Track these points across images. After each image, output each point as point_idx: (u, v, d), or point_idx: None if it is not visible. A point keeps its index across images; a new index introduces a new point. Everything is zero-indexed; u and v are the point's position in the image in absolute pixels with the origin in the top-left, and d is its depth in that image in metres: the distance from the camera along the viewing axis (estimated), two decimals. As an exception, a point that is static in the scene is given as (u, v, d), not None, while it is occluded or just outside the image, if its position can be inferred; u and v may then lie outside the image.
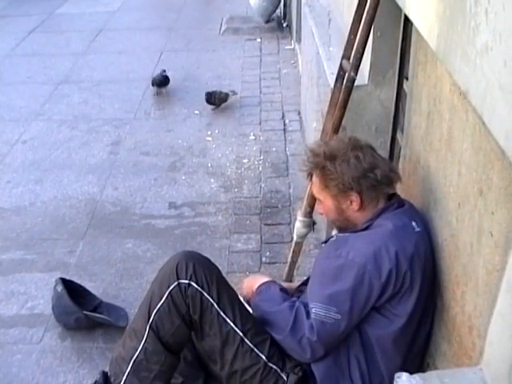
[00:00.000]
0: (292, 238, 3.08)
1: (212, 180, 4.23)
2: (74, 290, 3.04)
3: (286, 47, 6.71)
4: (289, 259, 3.03)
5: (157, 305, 2.24)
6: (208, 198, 4.02)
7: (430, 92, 2.31)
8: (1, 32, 7.39)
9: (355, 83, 2.62)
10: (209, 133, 4.88)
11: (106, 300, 3.12)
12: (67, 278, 3.12)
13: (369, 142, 2.25)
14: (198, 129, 4.93)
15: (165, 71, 5.58)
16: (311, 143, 2.31)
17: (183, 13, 7.98)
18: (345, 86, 2.63)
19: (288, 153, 4.54)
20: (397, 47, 2.95)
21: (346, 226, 2.33)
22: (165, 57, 6.48)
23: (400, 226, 2.11)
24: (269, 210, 3.88)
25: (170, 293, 2.23)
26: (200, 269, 2.24)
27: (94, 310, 3.04)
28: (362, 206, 2.19)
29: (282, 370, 2.20)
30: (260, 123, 5.02)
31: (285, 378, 2.19)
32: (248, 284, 2.49)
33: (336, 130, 2.66)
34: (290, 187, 4.10)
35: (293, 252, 3.02)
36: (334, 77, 2.83)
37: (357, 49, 2.59)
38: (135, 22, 7.62)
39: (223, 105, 5.23)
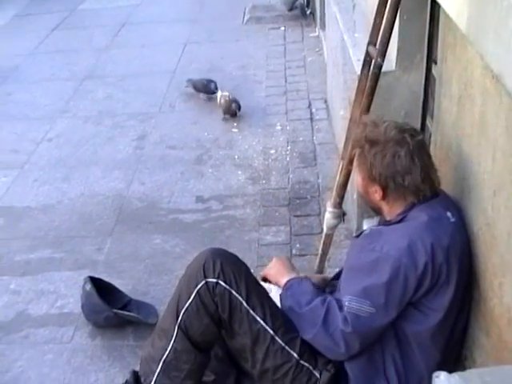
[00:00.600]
0: (322, 230, 3.02)
1: (239, 172, 4.18)
2: (103, 288, 3.01)
3: (311, 35, 6.61)
4: (319, 251, 2.97)
5: (185, 304, 2.20)
6: (235, 191, 3.97)
7: (460, 76, 2.24)
8: (23, 30, 7.40)
9: (382, 69, 2.55)
10: (235, 124, 4.82)
11: (135, 297, 3.10)
12: (96, 275, 3.09)
13: (422, 141, 2.12)
14: (224, 120, 4.87)
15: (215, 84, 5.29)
16: (372, 116, 2.22)
17: (206, 4, 7.91)
18: (372, 72, 2.56)
19: (315, 142, 4.47)
20: (424, 30, 2.86)
21: (374, 210, 2.28)
22: (188, 49, 6.44)
23: (435, 217, 2.05)
24: (297, 201, 3.82)
25: (197, 292, 2.19)
26: (227, 266, 2.20)
27: (124, 308, 3.01)
28: (384, 199, 2.13)
29: (314, 368, 2.14)
30: (286, 113, 4.95)
31: (317, 376, 2.13)
32: (273, 272, 2.44)
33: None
34: (318, 177, 4.03)
35: (323, 244, 2.96)
36: (361, 63, 2.75)
37: (383, 34, 2.51)
38: (158, 15, 7.57)
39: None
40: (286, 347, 2.16)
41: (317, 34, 6.58)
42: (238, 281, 2.18)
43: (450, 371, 1.42)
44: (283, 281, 2.32)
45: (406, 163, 2.04)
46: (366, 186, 2.17)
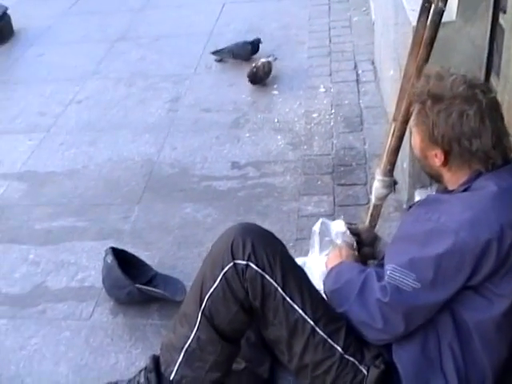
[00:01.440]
0: (369, 200, 2.70)
1: (279, 137, 3.85)
2: (126, 261, 2.74)
3: (357, -7, 6.20)
4: (366, 223, 2.63)
5: (210, 289, 1.91)
6: (274, 157, 3.65)
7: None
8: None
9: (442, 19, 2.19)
10: (275, 86, 4.47)
11: (162, 271, 2.82)
12: (120, 247, 2.82)
13: (495, 100, 1.78)
14: (263, 82, 4.52)
15: (259, 40, 4.91)
16: (436, 68, 1.86)
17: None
18: (431, 19, 2.20)
19: (362, 105, 4.10)
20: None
21: (433, 177, 1.94)
22: (227, 8, 6.07)
23: (505, 187, 1.70)
24: (342, 168, 3.48)
25: (224, 275, 1.88)
26: (260, 246, 1.88)
27: (149, 283, 2.75)
28: (446, 165, 1.79)
29: (360, 363, 1.83)
30: (330, 74, 4.58)
31: (365, 372, 1.82)
32: (330, 258, 2.13)
33: (421, 72, 2.23)
34: (364, 143, 3.68)
35: (370, 215, 2.61)
36: (416, 14, 2.39)
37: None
38: (196, -25, 7.21)
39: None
40: (329, 340, 1.85)
41: (363, -8, 6.16)
42: (272, 263, 1.87)
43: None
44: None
45: (474, 124, 1.69)
46: (425, 149, 1.83)
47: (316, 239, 2.32)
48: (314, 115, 4.05)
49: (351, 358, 1.84)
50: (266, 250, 1.87)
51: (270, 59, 4.56)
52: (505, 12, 2.38)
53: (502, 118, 1.77)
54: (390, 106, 3.01)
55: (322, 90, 4.37)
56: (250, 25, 5.56)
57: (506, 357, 1.78)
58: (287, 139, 3.82)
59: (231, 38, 5.16)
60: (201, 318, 1.91)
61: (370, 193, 2.59)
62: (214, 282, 1.89)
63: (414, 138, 1.90)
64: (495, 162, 1.74)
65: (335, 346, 1.84)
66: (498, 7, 2.50)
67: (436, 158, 1.80)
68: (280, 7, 5.98)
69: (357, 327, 1.84)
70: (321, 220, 2.31)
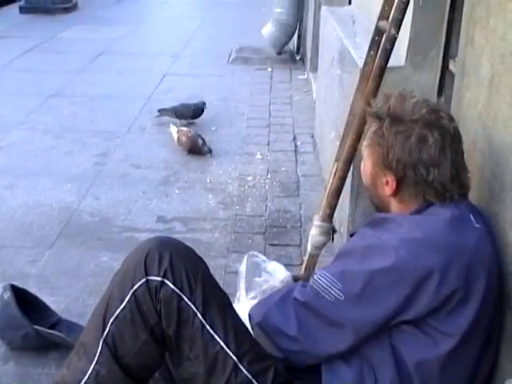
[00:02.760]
0: (303, 260, 2.49)
1: (210, 196, 3.65)
2: (27, 302, 2.42)
3: (299, 77, 6.22)
4: (300, 277, 2.41)
5: (115, 310, 1.62)
6: (204, 214, 3.43)
7: (493, 50, 1.79)
8: (-4, 50, 6.92)
9: (389, 64, 2.08)
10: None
11: (68, 318, 2.49)
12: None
13: (458, 130, 1.62)
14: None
15: (204, 104, 4.84)
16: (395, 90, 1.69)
17: (191, 42, 7.55)
18: (382, 47, 2.08)
19: (299, 173, 3.97)
20: (443, 18, 2.43)
21: (380, 209, 1.75)
22: (167, 79, 5.99)
23: (457, 215, 1.53)
24: (275, 229, 3.29)
25: (133, 294, 1.60)
26: (179, 262, 1.62)
27: (51, 328, 2.41)
28: (396, 195, 1.62)
29: None
30: (268, 144, 4.46)
31: None
32: None
33: (368, 105, 2.08)
34: (300, 208, 3.52)
35: (306, 268, 2.38)
36: (362, 61, 2.28)
37: (398, 4, 2.05)
38: (140, 48, 7.15)
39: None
40: (254, 381, 1.58)
41: (306, 76, 6.19)
42: (192, 283, 1.61)
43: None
44: None
45: (434, 152, 1.54)
46: (376, 176, 1.66)
47: (242, 281, 2.07)
48: (249, 178, 3.88)
49: (280, 407, 1.58)
50: (186, 267, 1.61)
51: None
52: (454, 59, 2.31)
53: (462, 153, 1.62)
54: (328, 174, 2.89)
55: (259, 156, 4.23)
56: (189, 94, 5.45)
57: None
58: (219, 199, 3.62)
59: (169, 104, 5.04)
60: (102, 347, 1.61)
61: (304, 253, 2.37)
62: (121, 302, 1.61)
63: (364, 163, 1.72)
64: (452, 196, 1.58)
65: (262, 389, 1.58)
66: (448, 53, 2.42)
67: (386, 186, 1.63)
68: (221, 82, 5.95)
69: (271, 338, 1.61)
70: (247, 255, 2.06)
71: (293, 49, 7.18)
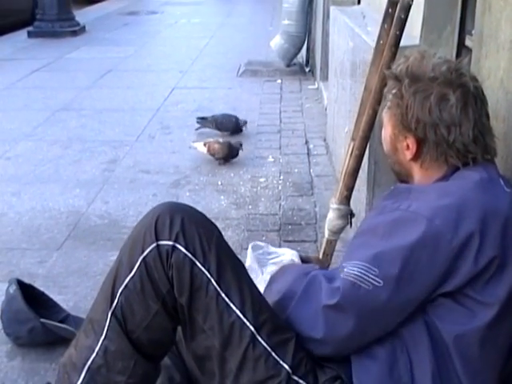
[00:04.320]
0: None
1: (222, 197, 3.54)
2: (34, 298, 2.32)
3: (310, 87, 6.14)
4: (317, 261, 2.28)
5: (124, 280, 1.52)
6: (216, 214, 3.30)
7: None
8: (2, 71, 6.82)
9: (401, 43, 1.99)
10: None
11: (76, 315, 2.38)
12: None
13: (482, 91, 1.52)
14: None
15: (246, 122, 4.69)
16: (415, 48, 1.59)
17: (199, 57, 7.50)
18: (397, 16, 1.98)
19: (313, 174, 3.86)
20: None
21: (402, 178, 1.65)
22: (176, 92, 5.92)
23: (486, 178, 1.42)
24: (290, 227, 3.18)
25: (143, 260, 1.50)
26: (192, 226, 1.51)
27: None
28: (418, 159, 1.52)
29: None
30: (280, 148, 4.37)
31: None
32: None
33: (383, 79, 1.98)
34: (315, 206, 3.41)
35: (323, 254, 2.26)
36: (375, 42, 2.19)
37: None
38: (148, 65, 7.09)
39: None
40: (273, 354, 1.46)
41: (316, 86, 6.11)
42: (205, 248, 1.50)
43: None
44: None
45: (455, 112, 1.44)
46: (396, 140, 1.56)
47: (254, 262, 1.94)
48: (261, 179, 3.79)
49: (301, 381, 1.45)
50: (199, 231, 1.51)
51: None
52: (471, 34, 2.22)
53: (486, 114, 1.51)
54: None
55: (271, 159, 4.14)
56: (198, 106, 5.40)
57: (491, 380, 1.42)
58: (231, 199, 3.52)
59: (178, 116, 4.98)
60: (110, 320, 1.51)
61: (325, 226, 2.25)
62: (131, 270, 1.50)
63: (384, 128, 1.63)
64: (476, 158, 1.47)
65: (281, 362, 1.45)
66: (464, 30, 2.33)
67: (407, 151, 1.53)
68: (230, 93, 5.89)
69: (298, 331, 1.48)
70: (250, 245, 1.92)
71: (302, 61, 7.13)
